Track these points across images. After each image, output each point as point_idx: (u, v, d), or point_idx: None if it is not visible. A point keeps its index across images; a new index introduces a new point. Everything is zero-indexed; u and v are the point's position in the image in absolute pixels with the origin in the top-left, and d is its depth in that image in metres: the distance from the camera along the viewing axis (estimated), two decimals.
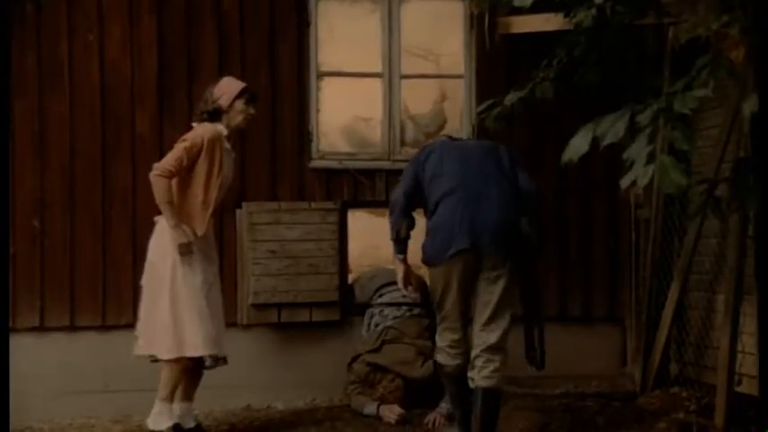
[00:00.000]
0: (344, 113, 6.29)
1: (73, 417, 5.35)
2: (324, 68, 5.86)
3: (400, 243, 4.49)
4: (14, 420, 4.70)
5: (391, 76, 5.91)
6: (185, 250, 4.55)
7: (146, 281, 4.73)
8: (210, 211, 4.68)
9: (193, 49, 5.60)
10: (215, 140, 4.66)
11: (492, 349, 4.29)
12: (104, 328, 5.49)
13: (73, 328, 5.46)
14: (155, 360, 4.68)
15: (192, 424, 4.80)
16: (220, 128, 4.73)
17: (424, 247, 4.39)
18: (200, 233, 4.64)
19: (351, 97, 6.15)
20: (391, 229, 4.48)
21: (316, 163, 5.79)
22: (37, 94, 5.42)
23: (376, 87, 5.95)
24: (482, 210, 4.27)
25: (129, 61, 5.53)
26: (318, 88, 5.84)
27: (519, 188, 4.39)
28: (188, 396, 4.78)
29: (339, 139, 6.28)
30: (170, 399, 4.66)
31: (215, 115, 4.73)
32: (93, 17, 5.48)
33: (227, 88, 4.77)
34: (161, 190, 4.54)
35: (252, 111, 4.82)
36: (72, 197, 5.46)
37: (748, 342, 4.68)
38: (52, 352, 5.42)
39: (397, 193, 4.48)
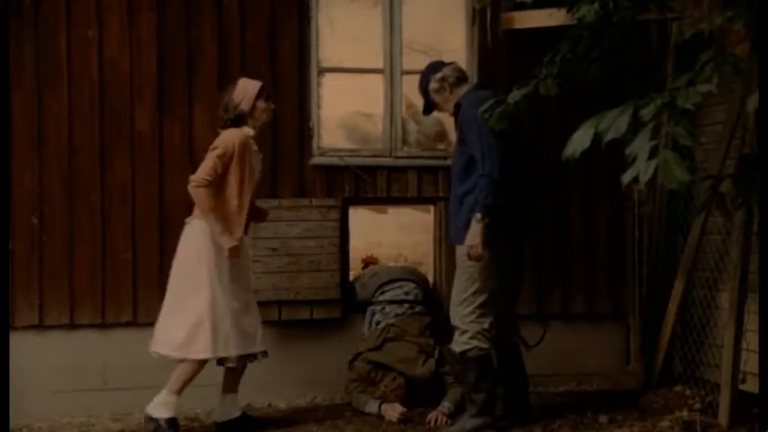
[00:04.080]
0: (345, 109, 6.26)
1: (72, 415, 5.33)
2: (324, 64, 5.81)
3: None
4: (13, 418, 4.69)
5: (393, 72, 5.87)
6: (236, 254, 4.66)
7: (174, 281, 4.77)
8: (245, 213, 4.75)
9: (193, 44, 5.55)
10: (245, 145, 4.73)
11: None
12: (104, 326, 5.45)
13: (72, 326, 5.42)
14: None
15: (237, 413, 4.94)
16: (247, 130, 4.81)
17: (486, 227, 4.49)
18: (237, 236, 4.72)
19: (352, 93, 6.12)
20: (489, 208, 4.48)
21: (316, 159, 5.75)
22: (35, 89, 5.36)
23: (377, 83, 5.91)
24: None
25: (128, 57, 5.48)
26: (319, 84, 5.79)
27: None
28: (232, 388, 4.93)
29: (340, 135, 6.23)
30: (178, 392, 4.72)
31: (239, 120, 4.80)
32: (92, 12, 5.44)
33: (244, 91, 4.83)
34: (202, 200, 4.63)
35: (272, 106, 4.95)
36: (71, 194, 5.42)
37: (753, 340, 4.65)
38: (51, 350, 5.39)
39: (498, 169, 4.49)
